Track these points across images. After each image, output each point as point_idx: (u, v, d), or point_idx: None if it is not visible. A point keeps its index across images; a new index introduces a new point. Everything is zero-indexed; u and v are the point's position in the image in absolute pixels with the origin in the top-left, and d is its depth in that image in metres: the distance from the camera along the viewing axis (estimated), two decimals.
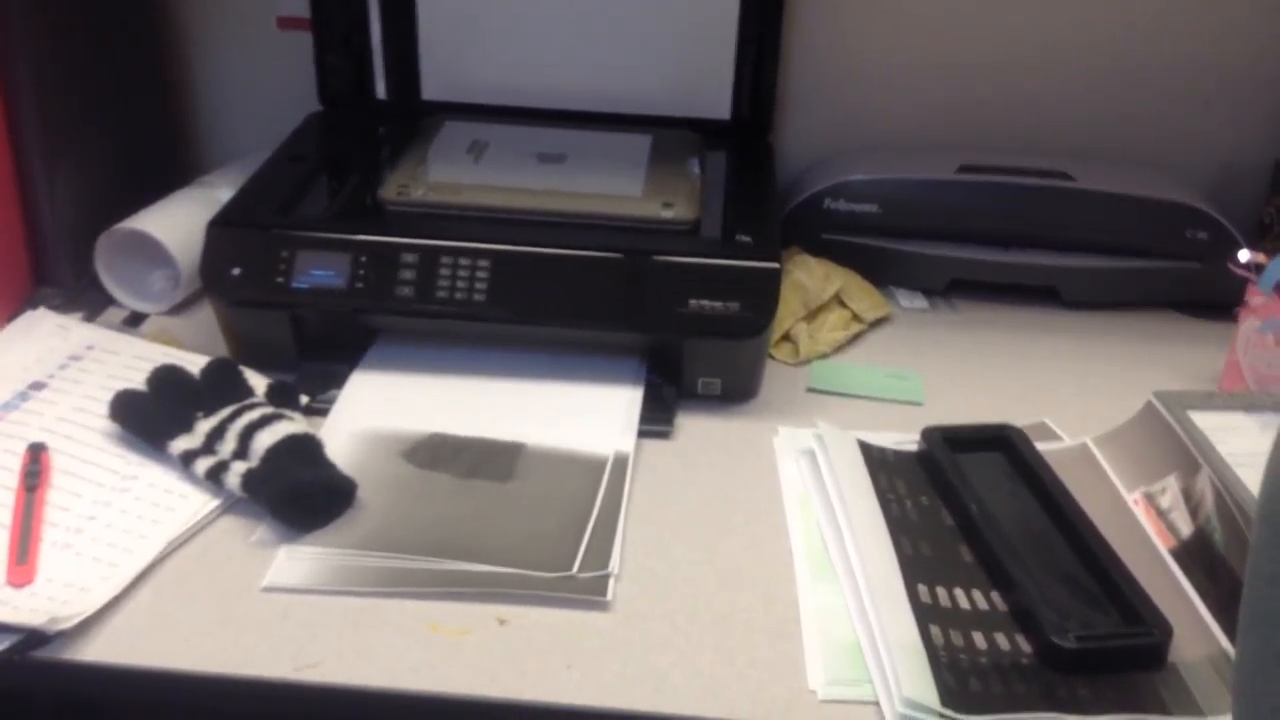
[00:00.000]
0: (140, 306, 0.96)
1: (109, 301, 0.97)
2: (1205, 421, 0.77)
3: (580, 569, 0.69)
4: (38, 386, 0.83)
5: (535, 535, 0.72)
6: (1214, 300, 1.02)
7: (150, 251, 0.95)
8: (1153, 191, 1.03)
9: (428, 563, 0.69)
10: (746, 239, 0.89)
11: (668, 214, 0.92)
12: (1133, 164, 1.10)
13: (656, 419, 0.85)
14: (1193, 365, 0.96)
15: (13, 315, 0.92)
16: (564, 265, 0.85)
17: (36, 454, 0.75)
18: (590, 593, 0.68)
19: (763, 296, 0.85)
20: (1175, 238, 1.02)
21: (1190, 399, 0.79)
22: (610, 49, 1.08)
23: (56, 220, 0.95)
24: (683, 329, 0.84)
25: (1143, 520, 0.74)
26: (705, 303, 0.84)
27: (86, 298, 0.96)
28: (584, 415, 0.84)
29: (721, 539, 0.74)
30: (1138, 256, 1.04)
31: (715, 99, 1.09)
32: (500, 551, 0.70)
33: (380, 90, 1.10)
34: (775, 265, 0.86)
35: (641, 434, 0.83)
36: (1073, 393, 0.92)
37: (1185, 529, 0.73)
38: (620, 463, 0.79)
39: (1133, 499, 0.76)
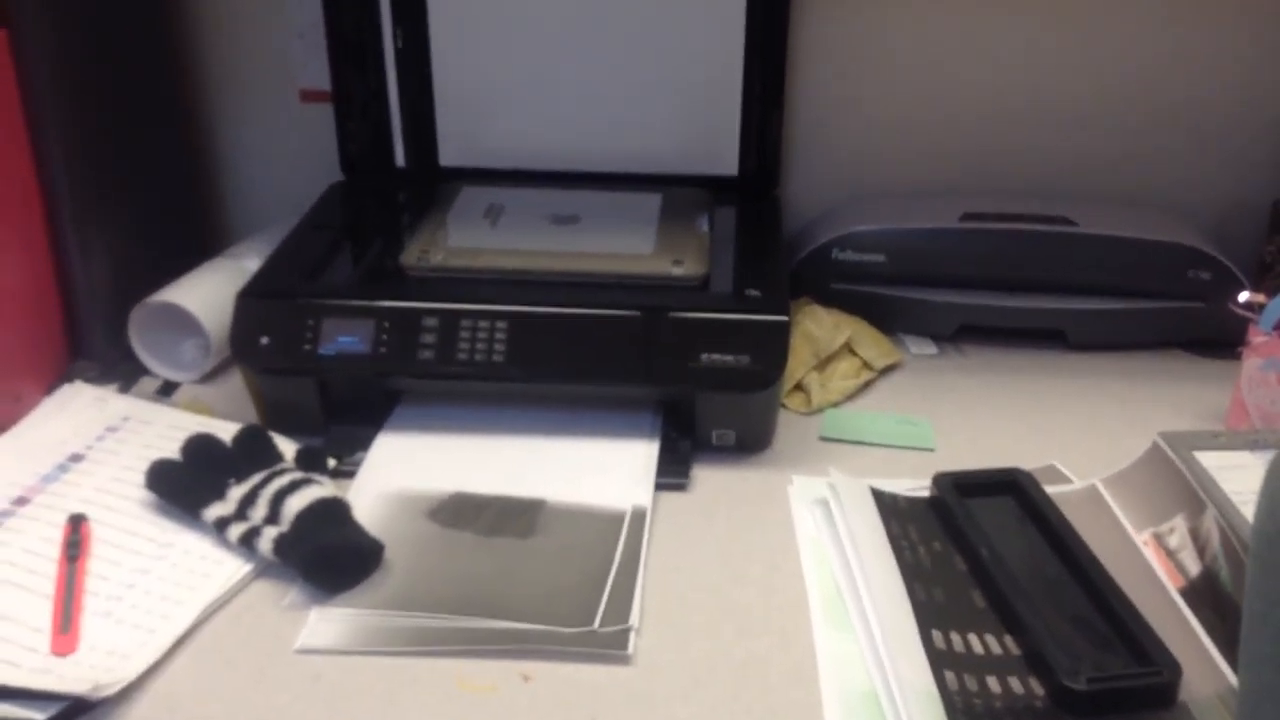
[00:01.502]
0: (173, 375, 1.00)
1: (143, 371, 1.00)
2: (1210, 461, 0.79)
3: (601, 623, 0.71)
4: (76, 458, 0.87)
5: (557, 590, 0.74)
6: (1220, 339, 1.03)
7: (182, 322, 0.98)
8: (1154, 234, 1.05)
9: (453, 621, 0.71)
10: (755, 293, 0.91)
11: (678, 271, 0.95)
12: (1133, 206, 1.13)
13: (673, 471, 0.87)
14: (1200, 403, 0.98)
15: (51, 388, 0.96)
16: (578, 324, 0.88)
17: (77, 525, 0.78)
18: (612, 646, 0.70)
19: (772, 349, 0.87)
20: (1178, 278, 1.04)
21: (1195, 439, 0.81)
22: (619, 111, 1.12)
23: (91, 295, 0.98)
24: (695, 383, 0.87)
25: (1152, 561, 0.75)
26: (716, 356, 0.87)
27: (121, 368, 1.00)
28: (602, 470, 0.86)
29: (739, 589, 0.76)
30: (1142, 298, 1.05)
31: (723, 156, 1.13)
32: (523, 608, 0.72)
33: (399, 158, 1.14)
34: (784, 319, 0.88)
35: (658, 487, 0.85)
36: (1081, 434, 0.94)
37: (1193, 568, 0.74)
38: (638, 516, 0.81)
39: (1142, 540, 0.78)
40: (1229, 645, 0.67)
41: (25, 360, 0.94)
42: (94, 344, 1.00)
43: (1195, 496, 0.76)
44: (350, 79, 1.11)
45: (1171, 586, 0.73)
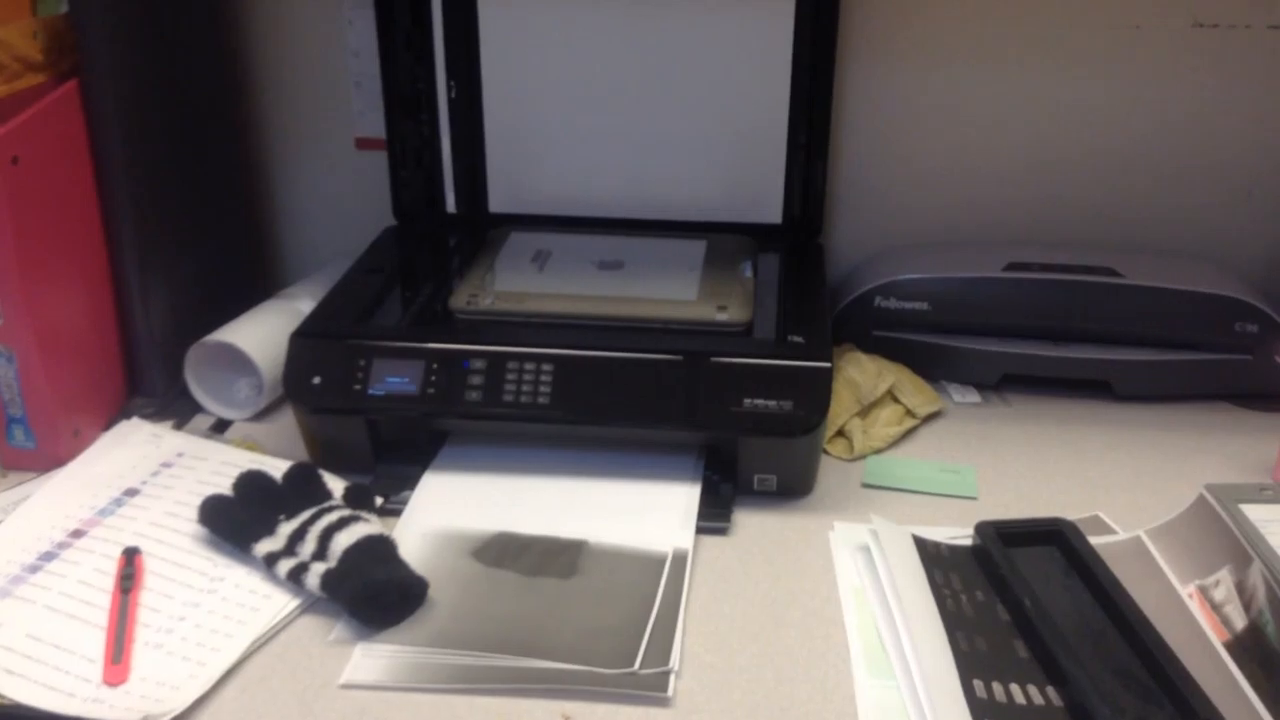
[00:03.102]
0: (226, 414, 1.02)
1: (197, 409, 1.02)
2: (1257, 514, 0.78)
3: (642, 665, 0.72)
4: (132, 493, 0.89)
5: (598, 631, 0.75)
6: (1267, 391, 1.02)
7: (236, 362, 1.01)
8: (1200, 285, 1.04)
9: (495, 659, 0.72)
10: (798, 339, 0.92)
11: (722, 316, 0.96)
12: (1178, 258, 1.12)
13: (714, 515, 0.87)
14: (1246, 456, 0.97)
15: (109, 424, 0.98)
16: (623, 368, 0.89)
17: (131, 557, 0.80)
18: (652, 689, 0.70)
19: (815, 395, 0.88)
20: (1225, 331, 1.04)
21: (1242, 492, 0.80)
22: (665, 160, 1.13)
23: (150, 335, 1.01)
24: (738, 427, 0.87)
25: (1197, 614, 0.75)
26: (759, 402, 0.87)
27: (176, 406, 1.02)
28: (644, 512, 0.87)
29: (779, 634, 0.76)
30: (1188, 349, 1.05)
31: (767, 204, 1.14)
32: (564, 648, 0.73)
33: (450, 204, 1.17)
34: (826, 365, 0.89)
35: (700, 530, 0.86)
36: (1126, 485, 0.93)
37: (1239, 622, 0.73)
38: (679, 559, 0.82)
39: (1187, 592, 0.77)
40: (1275, 701, 0.67)
41: (84, 397, 0.97)
42: (151, 382, 1.03)
43: (1241, 550, 0.75)
44: (404, 128, 1.14)
45: (1216, 640, 0.72)
